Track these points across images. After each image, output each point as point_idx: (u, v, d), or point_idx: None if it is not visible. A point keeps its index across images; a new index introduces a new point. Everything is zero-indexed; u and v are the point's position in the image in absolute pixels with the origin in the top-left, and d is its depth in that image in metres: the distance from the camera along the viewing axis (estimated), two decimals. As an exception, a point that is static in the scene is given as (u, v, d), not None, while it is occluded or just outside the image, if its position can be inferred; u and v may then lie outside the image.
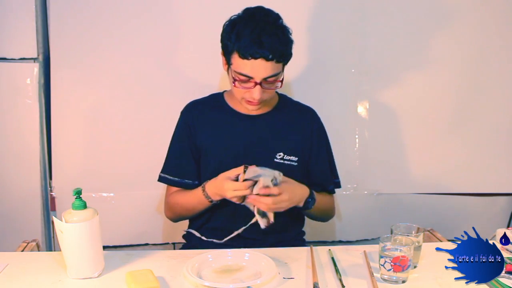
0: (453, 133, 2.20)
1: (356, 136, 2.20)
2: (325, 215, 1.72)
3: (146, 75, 2.09)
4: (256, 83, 1.45)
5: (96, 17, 2.04)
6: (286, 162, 1.59)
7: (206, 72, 2.06)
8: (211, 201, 1.52)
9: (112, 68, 2.08)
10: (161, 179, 1.66)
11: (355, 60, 2.16)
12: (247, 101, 1.52)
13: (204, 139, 1.61)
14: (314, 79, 2.14)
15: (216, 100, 1.66)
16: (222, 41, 1.50)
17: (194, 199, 1.56)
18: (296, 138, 1.62)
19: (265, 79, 1.45)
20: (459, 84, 2.18)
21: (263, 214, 1.44)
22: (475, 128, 2.20)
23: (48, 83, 2.07)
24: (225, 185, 1.44)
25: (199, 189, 1.54)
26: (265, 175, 1.40)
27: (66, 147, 2.10)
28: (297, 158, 1.60)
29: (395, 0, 2.13)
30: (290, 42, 1.48)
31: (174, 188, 1.64)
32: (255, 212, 1.44)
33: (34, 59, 2.04)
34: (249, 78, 1.45)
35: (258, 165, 1.45)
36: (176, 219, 1.68)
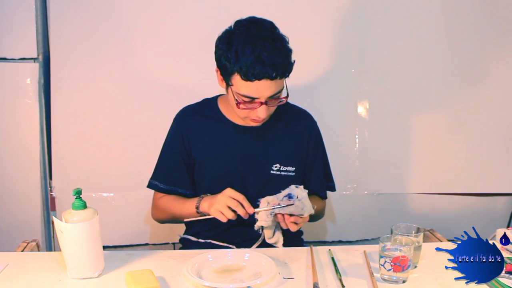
0: (453, 133, 2.21)
1: (356, 136, 2.20)
2: (313, 220, 1.64)
3: (146, 75, 2.09)
4: (261, 103, 1.41)
5: (96, 17, 2.04)
6: (283, 173, 1.56)
7: (207, 72, 2.06)
8: (198, 211, 1.48)
9: (112, 68, 2.08)
10: (151, 186, 1.61)
11: (355, 60, 2.16)
12: (252, 119, 1.47)
13: (199, 150, 1.56)
14: (314, 79, 2.14)
15: (210, 108, 1.60)
16: (218, 60, 1.43)
17: (184, 208, 1.52)
18: (293, 148, 1.59)
19: (270, 97, 1.41)
20: (459, 83, 2.18)
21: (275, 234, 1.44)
22: (475, 128, 2.20)
23: (48, 83, 2.08)
24: (221, 195, 1.40)
25: (195, 199, 1.50)
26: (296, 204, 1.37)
27: (66, 147, 2.10)
28: (294, 168, 1.57)
29: (394, 0, 2.13)
30: (289, 52, 1.42)
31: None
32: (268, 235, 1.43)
33: (34, 59, 2.04)
34: (254, 99, 1.40)
35: (255, 178, 1.45)
36: (162, 222, 1.66)
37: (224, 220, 1.38)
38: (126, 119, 2.11)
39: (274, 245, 1.45)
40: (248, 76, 1.35)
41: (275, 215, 1.38)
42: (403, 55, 2.16)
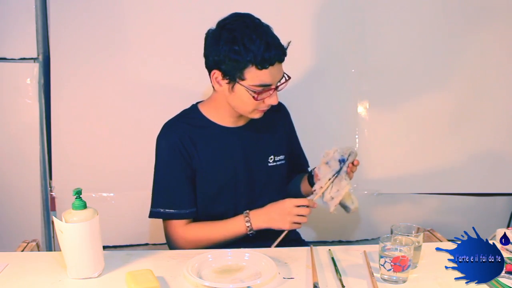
0: (453, 133, 2.21)
1: (356, 136, 2.20)
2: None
3: (146, 75, 2.09)
4: (273, 89, 1.43)
5: (96, 17, 2.04)
6: (277, 163, 1.61)
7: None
8: (251, 232, 1.49)
9: (112, 68, 2.08)
10: (153, 215, 1.53)
11: (355, 60, 2.16)
12: (261, 110, 1.48)
13: (198, 160, 1.52)
14: (314, 79, 2.14)
15: (194, 117, 1.56)
16: (220, 62, 1.40)
17: (230, 231, 1.50)
18: (279, 137, 1.64)
19: (279, 81, 1.44)
20: (459, 83, 2.18)
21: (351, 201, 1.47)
22: (475, 128, 2.20)
23: (48, 83, 2.08)
24: (286, 204, 1.44)
25: (239, 219, 1.49)
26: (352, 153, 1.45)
27: (66, 147, 2.10)
28: (284, 156, 1.63)
29: (395, 0, 2.13)
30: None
31: (181, 221, 1.53)
32: (344, 201, 1.46)
33: (34, 59, 2.04)
34: (268, 85, 1.41)
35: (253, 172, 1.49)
36: (192, 249, 1.53)
37: (300, 227, 1.48)
38: (126, 119, 2.11)
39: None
40: (263, 64, 1.37)
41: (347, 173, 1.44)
42: (403, 55, 2.16)
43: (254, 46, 1.35)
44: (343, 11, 2.12)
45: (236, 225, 1.49)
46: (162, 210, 1.52)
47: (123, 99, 2.10)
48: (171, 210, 1.52)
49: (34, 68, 2.04)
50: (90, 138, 2.11)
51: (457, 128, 2.20)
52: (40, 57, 2.05)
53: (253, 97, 1.41)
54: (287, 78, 1.46)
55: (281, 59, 1.40)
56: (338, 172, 1.44)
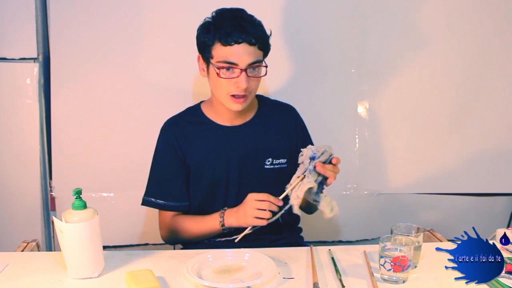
0: (453, 133, 2.20)
1: (356, 136, 2.20)
2: (312, 212, 1.67)
3: (146, 75, 2.09)
4: (241, 70, 1.42)
5: (96, 18, 2.04)
6: (276, 166, 1.59)
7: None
8: (224, 228, 1.49)
9: (112, 68, 2.08)
10: (145, 203, 1.61)
11: (355, 60, 2.15)
12: (233, 98, 1.46)
13: (192, 157, 1.57)
14: (314, 79, 2.14)
15: (194, 115, 1.61)
16: (198, 39, 1.49)
17: (206, 227, 1.52)
18: (282, 140, 1.61)
19: (250, 65, 1.43)
20: (459, 84, 2.18)
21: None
22: (475, 128, 2.20)
23: (48, 83, 2.08)
24: (247, 199, 1.42)
25: (216, 215, 1.50)
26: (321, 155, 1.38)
27: (66, 147, 2.10)
28: (286, 160, 1.60)
29: (395, 1, 2.13)
30: (264, 28, 1.47)
31: (171, 212, 1.59)
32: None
33: (34, 59, 2.04)
34: (234, 65, 1.42)
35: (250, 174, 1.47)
36: (176, 242, 1.65)
37: (264, 223, 1.41)
38: (126, 119, 2.11)
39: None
40: (227, 41, 1.40)
41: (318, 174, 1.37)
42: (403, 55, 2.16)
43: (223, 26, 1.42)
44: (343, 11, 2.12)
45: (212, 221, 1.51)
46: (153, 199, 1.60)
47: (123, 99, 2.10)
48: (161, 201, 1.59)
49: (34, 68, 2.04)
50: (90, 138, 2.11)
51: (457, 128, 2.20)
52: (40, 57, 2.05)
53: (217, 73, 1.44)
54: (264, 65, 1.47)
55: (249, 42, 1.40)
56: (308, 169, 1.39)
